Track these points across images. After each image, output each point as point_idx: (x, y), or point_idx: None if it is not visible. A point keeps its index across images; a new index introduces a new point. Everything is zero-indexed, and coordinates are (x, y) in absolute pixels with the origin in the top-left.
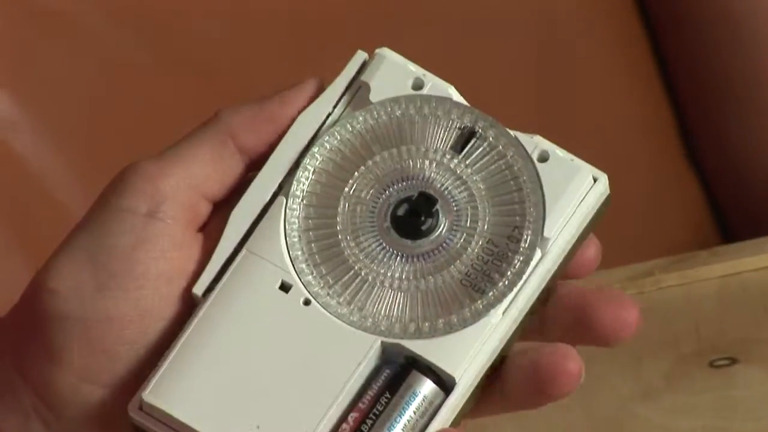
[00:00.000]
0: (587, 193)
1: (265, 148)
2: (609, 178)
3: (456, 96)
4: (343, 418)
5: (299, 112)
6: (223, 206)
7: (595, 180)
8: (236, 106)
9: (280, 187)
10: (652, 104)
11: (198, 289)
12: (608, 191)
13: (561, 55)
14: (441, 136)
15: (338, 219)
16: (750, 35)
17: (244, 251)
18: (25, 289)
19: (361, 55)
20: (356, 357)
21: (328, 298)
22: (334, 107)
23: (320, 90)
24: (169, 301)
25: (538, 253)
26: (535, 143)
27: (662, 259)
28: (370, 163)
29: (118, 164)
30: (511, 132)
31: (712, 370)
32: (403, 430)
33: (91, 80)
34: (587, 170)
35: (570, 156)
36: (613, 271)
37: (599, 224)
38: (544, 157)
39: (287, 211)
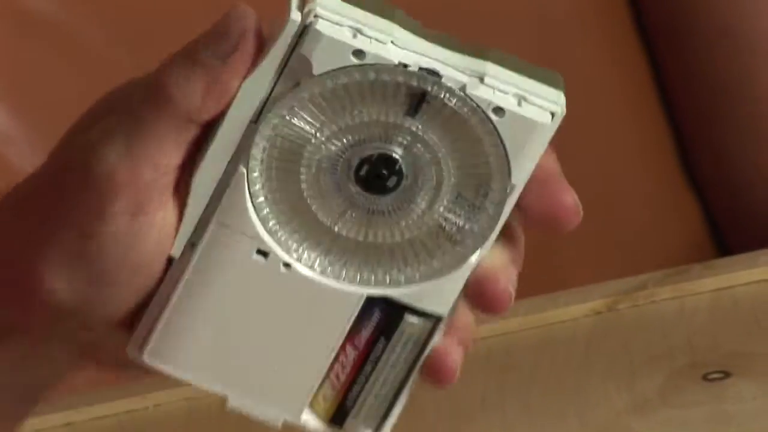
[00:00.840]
0: (546, 132)
1: (220, 113)
2: (606, 193)
3: (399, 40)
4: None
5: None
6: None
7: (552, 115)
8: (182, 79)
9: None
10: (650, 119)
11: (175, 253)
12: (564, 112)
13: (558, 68)
14: (392, 101)
15: (303, 184)
16: (747, 50)
17: (214, 222)
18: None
19: (293, 24)
20: (345, 313)
21: (306, 253)
22: (277, 78)
23: (260, 42)
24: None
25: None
26: (488, 101)
27: (656, 273)
28: (326, 131)
29: None
30: (461, 77)
31: (706, 383)
32: (402, 368)
33: (88, 93)
34: (545, 119)
35: (524, 91)
36: (606, 284)
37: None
38: (499, 113)
39: (249, 182)
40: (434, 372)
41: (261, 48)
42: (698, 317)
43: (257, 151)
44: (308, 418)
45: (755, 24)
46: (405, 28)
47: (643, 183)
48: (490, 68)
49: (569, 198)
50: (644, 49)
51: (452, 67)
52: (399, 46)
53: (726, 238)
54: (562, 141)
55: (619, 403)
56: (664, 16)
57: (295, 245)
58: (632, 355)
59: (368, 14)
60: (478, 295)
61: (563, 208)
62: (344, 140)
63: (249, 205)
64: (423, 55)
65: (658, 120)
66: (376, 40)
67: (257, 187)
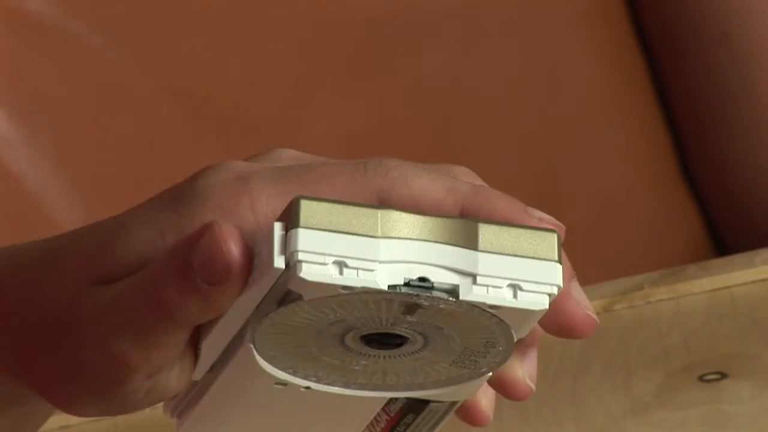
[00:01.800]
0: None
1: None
2: (605, 198)
3: (386, 254)
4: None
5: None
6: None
7: (550, 296)
8: (179, 302)
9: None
10: (648, 122)
11: (196, 378)
12: (562, 286)
13: (559, 75)
14: (386, 309)
15: (311, 348)
16: (745, 55)
17: (228, 368)
18: None
19: (277, 271)
20: (370, 407)
21: (325, 377)
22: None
23: (248, 261)
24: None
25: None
26: (482, 303)
27: (652, 273)
28: (324, 321)
29: (116, 183)
30: (453, 279)
31: (702, 384)
32: (432, 423)
33: (88, 98)
34: (542, 305)
35: (518, 279)
36: (602, 285)
37: (595, 243)
38: (496, 308)
39: (257, 350)
40: (468, 417)
41: (250, 264)
42: (694, 318)
43: (261, 334)
44: None
45: (753, 29)
46: (391, 232)
47: (641, 186)
48: (482, 261)
49: (580, 314)
50: (642, 52)
51: (443, 267)
52: (386, 262)
53: (724, 240)
54: (562, 142)
55: (616, 404)
56: (662, 20)
57: (312, 374)
58: (628, 357)
59: (352, 240)
60: (499, 388)
61: (575, 325)
62: (344, 326)
63: (261, 362)
64: (412, 262)
65: (656, 123)
66: (363, 269)
67: (265, 350)
